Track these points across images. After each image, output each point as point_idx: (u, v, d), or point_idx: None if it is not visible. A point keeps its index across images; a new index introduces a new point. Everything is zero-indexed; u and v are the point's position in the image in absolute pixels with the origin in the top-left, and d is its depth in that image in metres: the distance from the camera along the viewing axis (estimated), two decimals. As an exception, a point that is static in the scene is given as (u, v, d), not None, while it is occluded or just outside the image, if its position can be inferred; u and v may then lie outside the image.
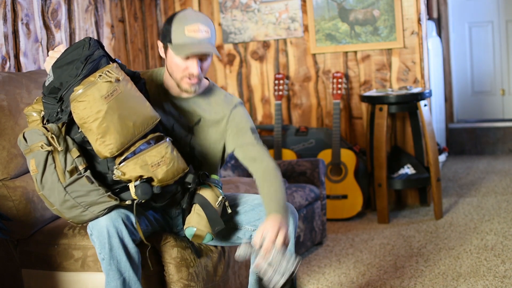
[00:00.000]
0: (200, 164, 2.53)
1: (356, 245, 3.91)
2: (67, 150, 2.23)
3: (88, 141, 2.24)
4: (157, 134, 2.33)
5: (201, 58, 2.42)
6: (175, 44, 2.39)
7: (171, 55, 2.42)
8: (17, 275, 2.73)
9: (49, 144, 2.20)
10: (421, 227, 4.14)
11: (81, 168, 2.23)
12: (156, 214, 2.56)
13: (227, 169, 3.99)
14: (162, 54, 2.48)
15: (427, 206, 4.61)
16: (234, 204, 2.53)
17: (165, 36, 2.43)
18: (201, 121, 2.53)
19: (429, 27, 5.53)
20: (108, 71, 2.19)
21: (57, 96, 2.24)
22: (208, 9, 4.88)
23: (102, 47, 2.29)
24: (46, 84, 2.26)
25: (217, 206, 2.38)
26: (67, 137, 2.25)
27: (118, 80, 2.19)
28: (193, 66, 2.40)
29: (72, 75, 2.20)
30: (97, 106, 2.15)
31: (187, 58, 2.39)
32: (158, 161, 2.25)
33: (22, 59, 3.28)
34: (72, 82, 2.19)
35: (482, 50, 6.42)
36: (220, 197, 2.40)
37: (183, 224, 2.45)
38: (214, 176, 2.48)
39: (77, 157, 2.23)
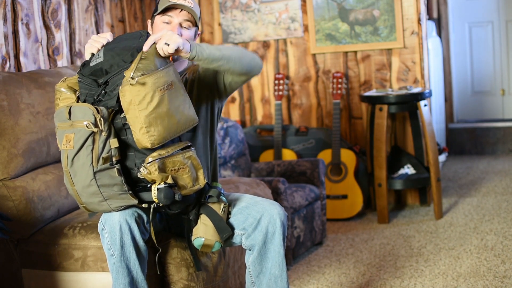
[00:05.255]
0: (197, 133, 2.52)
1: (356, 245, 3.90)
2: (108, 137, 2.20)
3: (125, 129, 2.23)
4: (186, 143, 2.34)
5: (182, 24, 2.44)
6: (157, 9, 2.45)
7: (154, 23, 2.47)
8: (17, 275, 2.73)
9: (96, 125, 2.17)
10: (421, 227, 4.14)
11: (114, 159, 2.21)
12: (160, 215, 2.56)
13: (227, 169, 3.99)
14: (150, 31, 2.52)
15: (427, 206, 4.61)
16: None
17: (153, 13, 2.49)
18: (190, 84, 2.54)
19: (429, 27, 5.53)
20: None
21: (97, 79, 2.23)
22: (208, 9, 4.87)
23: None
24: (91, 64, 2.25)
25: (222, 213, 2.40)
26: (111, 124, 2.23)
27: None
28: (172, 26, 2.43)
29: (126, 61, 2.21)
30: (151, 94, 2.15)
31: (168, 16, 2.42)
32: (178, 167, 2.26)
33: (22, 59, 3.28)
34: (125, 67, 2.20)
35: (482, 50, 6.42)
36: (223, 204, 2.42)
37: (187, 230, 2.46)
38: (217, 184, 2.52)
39: (115, 148, 2.21)
